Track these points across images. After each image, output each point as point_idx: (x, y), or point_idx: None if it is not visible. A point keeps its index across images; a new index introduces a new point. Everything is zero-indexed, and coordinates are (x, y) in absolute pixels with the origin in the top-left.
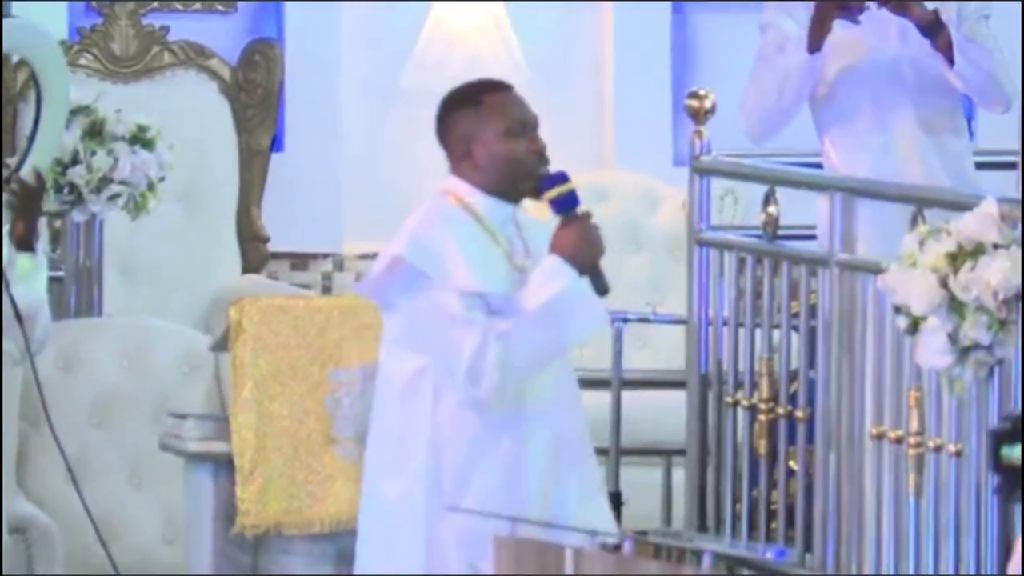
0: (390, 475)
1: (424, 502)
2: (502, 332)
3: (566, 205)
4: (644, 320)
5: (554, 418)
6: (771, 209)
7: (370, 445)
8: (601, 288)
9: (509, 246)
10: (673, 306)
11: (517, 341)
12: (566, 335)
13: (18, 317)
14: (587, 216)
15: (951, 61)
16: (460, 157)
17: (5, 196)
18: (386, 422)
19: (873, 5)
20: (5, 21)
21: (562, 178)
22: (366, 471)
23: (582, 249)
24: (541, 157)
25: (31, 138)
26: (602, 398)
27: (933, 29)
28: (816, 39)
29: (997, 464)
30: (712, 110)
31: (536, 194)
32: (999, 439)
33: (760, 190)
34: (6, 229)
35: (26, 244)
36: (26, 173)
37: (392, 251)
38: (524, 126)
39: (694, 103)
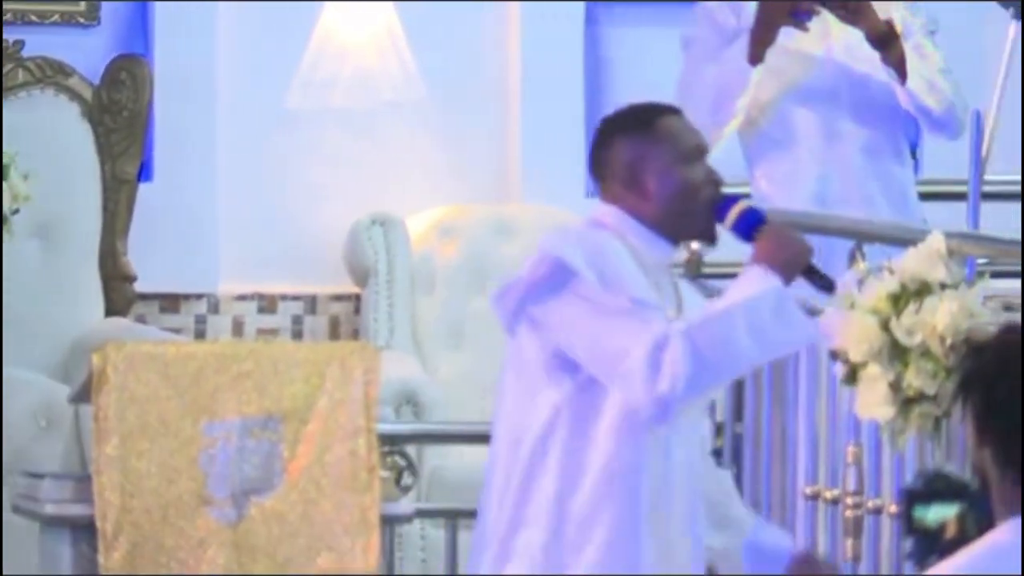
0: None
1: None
2: (684, 329)
3: (752, 221)
4: None
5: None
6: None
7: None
8: (826, 284)
9: (662, 295)
10: None
11: (707, 332)
12: (767, 341)
13: None
14: (778, 224)
15: (903, 76)
16: (625, 186)
17: None
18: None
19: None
20: None
21: (738, 198)
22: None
23: (784, 253)
24: (718, 185)
25: None
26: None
27: (885, 41)
28: (760, 47)
29: (910, 526)
30: None
31: (708, 232)
32: (912, 499)
33: None
34: None
35: None
36: None
37: (548, 252)
38: (700, 152)
39: None
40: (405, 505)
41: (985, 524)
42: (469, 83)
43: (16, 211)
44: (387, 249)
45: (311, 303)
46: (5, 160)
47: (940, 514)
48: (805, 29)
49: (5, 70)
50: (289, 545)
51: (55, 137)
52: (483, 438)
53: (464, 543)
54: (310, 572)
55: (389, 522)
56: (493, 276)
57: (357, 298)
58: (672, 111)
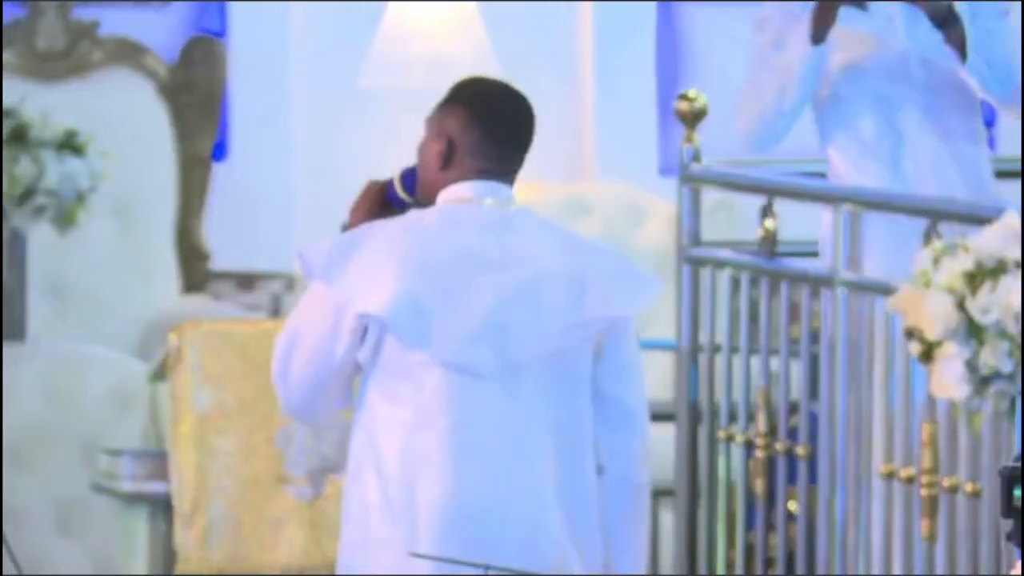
0: None
1: None
2: None
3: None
4: None
5: None
6: (768, 223)
7: None
8: None
9: None
10: (660, 330)
11: None
12: None
13: None
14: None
15: (964, 56)
16: None
17: None
18: None
19: None
20: None
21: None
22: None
23: None
24: None
25: None
26: None
27: (946, 21)
28: (821, 28)
29: (1009, 507)
30: (703, 113)
31: None
32: (1011, 480)
33: (756, 202)
34: None
35: None
36: None
37: None
38: None
39: (684, 106)
40: None
41: None
42: (543, 62)
43: (93, 189)
44: None
45: None
46: (82, 139)
47: None
48: (865, 9)
49: (81, 49)
50: None
51: (132, 115)
52: None
53: None
54: None
55: None
56: None
57: None
58: None
